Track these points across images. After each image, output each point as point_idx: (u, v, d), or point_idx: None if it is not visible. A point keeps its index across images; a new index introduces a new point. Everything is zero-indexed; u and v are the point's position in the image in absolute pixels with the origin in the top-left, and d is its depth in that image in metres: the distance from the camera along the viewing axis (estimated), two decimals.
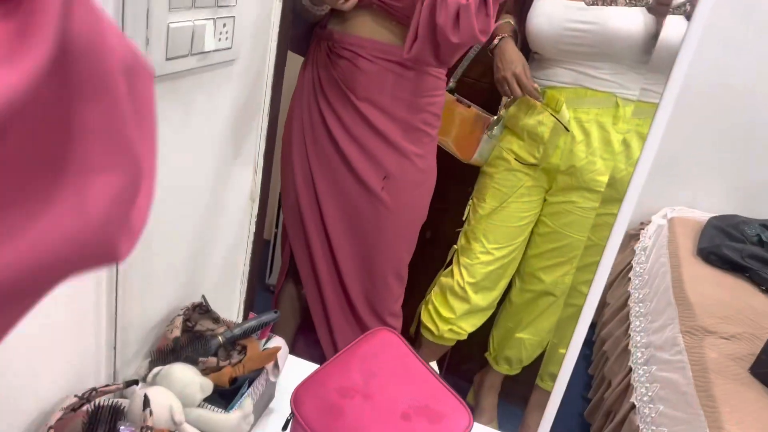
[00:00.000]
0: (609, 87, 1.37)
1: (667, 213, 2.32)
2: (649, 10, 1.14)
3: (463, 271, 1.52)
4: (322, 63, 1.27)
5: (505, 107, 1.43)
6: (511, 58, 1.40)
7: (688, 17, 1.01)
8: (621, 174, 1.35)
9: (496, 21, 1.23)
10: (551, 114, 1.38)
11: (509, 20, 1.46)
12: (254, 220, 1.11)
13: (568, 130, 1.38)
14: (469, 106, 1.46)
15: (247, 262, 1.15)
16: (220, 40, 0.82)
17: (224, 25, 0.82)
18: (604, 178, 1.39)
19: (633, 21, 1.29)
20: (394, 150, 1.26)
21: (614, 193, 1.37)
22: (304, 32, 1.30)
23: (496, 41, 1.44)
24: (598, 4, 1.16)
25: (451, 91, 1.51)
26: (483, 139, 1.45)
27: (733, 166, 2.29)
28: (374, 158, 1.26)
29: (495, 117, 1.45)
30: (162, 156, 0.80)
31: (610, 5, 1.16)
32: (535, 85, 1.39)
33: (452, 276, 1.55)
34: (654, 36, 1.34)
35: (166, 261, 0.89)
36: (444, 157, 1.47)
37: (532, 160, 1.45)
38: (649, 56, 1.37)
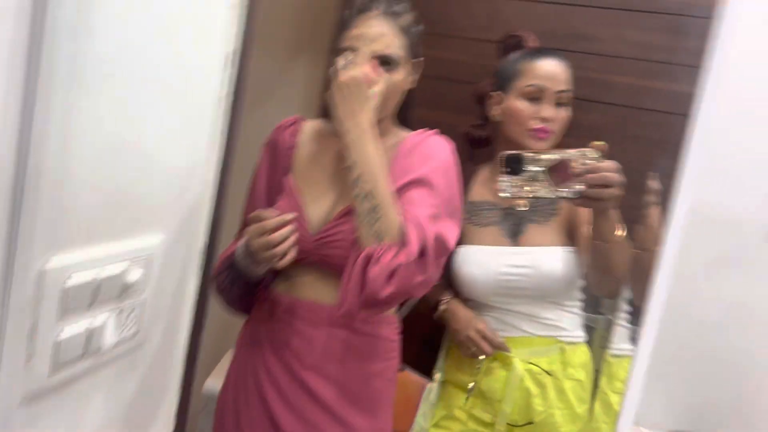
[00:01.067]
0: (551, 331, 1.35)
1: None
2: (575, 200, 1.11)
3: None
4: (263, 327, 1.17)
5: (477, 367, 1.35)
6: (467, 316, 1.37)
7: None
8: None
9: None
10: (501, 368, 1.33)
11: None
12: None
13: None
14: (402, 369, 1.38)
15: None
16: (123, 331, 0.74)
17: (130, 314, 0.74)
18: (564, 430, 1.31)
19: (563, 261, 1.32)
20: (340, 425, 1.12)
21: None
22: (246, 291, 1.20)
23: (442, 306, 1.41)
24: (517, 199, 1.11)
25: None
26: (420, 408, 1.35)
27: (680, 383, 2.27)
28: None
29: (431, 382, 1.37)
30: None
31: (531, 198, 1.11)
32: (501, 339, 1.34)
33: None
34: (580, 275, 1.36)
35: None
36: None
37: (489, 419, 1.35)
38: (575, 292, 1.38)
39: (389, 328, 1.20)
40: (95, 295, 0.66)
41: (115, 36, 0.62)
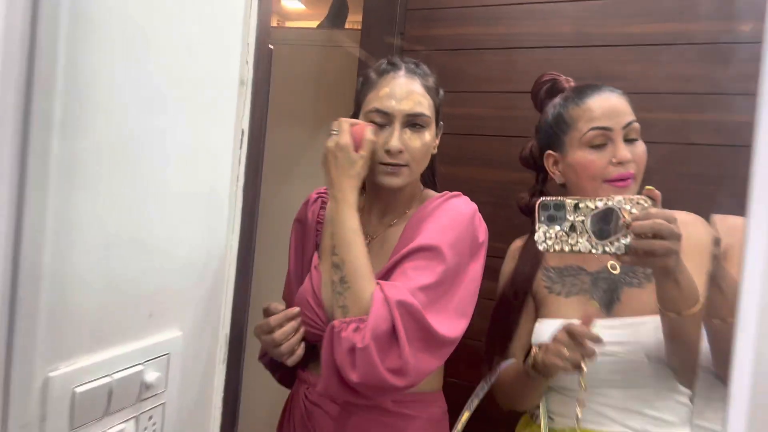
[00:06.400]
0: (655, 426, 1.07)
1: None
2: (622, 257, 0.90)
3: None
4: (297, 415, 1.10)
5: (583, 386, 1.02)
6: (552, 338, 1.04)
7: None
8: None
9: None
10: None
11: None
12: None
13: None
14: None
15: None
16: None
17: (150, 419, 0.68)
18: None
19: (659, 326, 1.02)
20: None
21: None
22: (288, 370, 1.17)
23: (532, 354, 1.10)
24: (557, 253, 0.93)
25: None
26: None
27: None
28: None
29: None
30: None
31: (570, 252, 0.92)
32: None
33: None
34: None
35: None
36: None
37: None
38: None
39: (427, 407, 1.09)
40: (109, 401, 0.61)
41: (111, 129, 0.59)
